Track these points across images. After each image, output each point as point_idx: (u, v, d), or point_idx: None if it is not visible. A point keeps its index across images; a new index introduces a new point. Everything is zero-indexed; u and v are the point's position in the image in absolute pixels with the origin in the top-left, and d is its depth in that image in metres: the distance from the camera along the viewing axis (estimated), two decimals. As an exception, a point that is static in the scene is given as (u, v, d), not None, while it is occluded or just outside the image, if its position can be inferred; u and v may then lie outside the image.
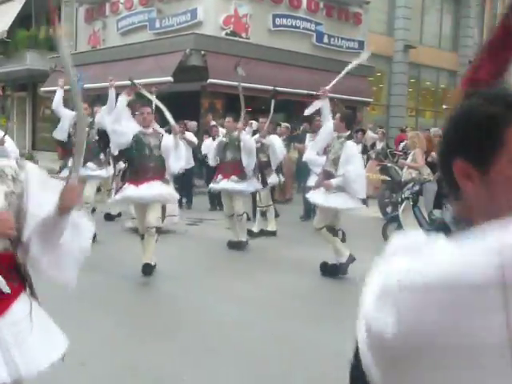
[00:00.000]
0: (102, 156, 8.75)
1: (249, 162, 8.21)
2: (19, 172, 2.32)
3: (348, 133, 6.72)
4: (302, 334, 4.95)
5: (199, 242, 8.79)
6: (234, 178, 8.21)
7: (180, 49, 16.01)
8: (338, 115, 6.90)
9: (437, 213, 7.79)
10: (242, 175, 8.23)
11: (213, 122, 12.83)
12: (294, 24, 18.84)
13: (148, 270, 6.50)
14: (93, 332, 4.83)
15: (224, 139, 8.45)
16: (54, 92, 9.32)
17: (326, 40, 19.68)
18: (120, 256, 7.58)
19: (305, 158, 8.46)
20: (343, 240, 6.86)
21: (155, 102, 7.06)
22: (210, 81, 15.56)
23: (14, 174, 2.30)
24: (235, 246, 8.27)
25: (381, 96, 24.60)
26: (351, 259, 6.67)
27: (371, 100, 20.43)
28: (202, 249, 8.38)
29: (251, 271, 7.12)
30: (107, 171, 8.99)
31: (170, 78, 15.18)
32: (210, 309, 5.58)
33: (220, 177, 8.37)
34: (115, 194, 7.03)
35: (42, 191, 2.34)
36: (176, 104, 16.22)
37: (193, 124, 13.01)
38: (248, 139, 8.26)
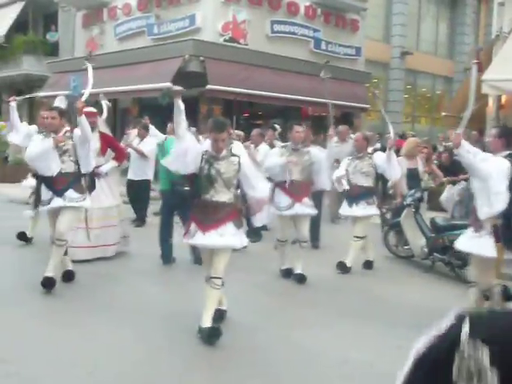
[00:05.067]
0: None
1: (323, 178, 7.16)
2: None
3: (507, 152, 4.91)
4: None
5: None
6: (307, 201, 6.90)
7: (178, 55, 16.02)
8: (493, 130, 5.25)
9: (439, 219, 7.79)
10: (310, 196, 7.03)
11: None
12: (291, 30, 18.87)
13: None
14: (99, 341, 4.81)
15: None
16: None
17: (323, 46, 19.71)
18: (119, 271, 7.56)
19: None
20: None
21: None
22: (208, 87, 15.56)
23: None
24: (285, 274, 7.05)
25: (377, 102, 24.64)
26: None
27: (368, 106, 20.46)
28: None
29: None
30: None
31: (168, 84, 15.14)
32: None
33: (290, 200, 6.82)
34: None
35: None
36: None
37: (192, 130, 12.92)
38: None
